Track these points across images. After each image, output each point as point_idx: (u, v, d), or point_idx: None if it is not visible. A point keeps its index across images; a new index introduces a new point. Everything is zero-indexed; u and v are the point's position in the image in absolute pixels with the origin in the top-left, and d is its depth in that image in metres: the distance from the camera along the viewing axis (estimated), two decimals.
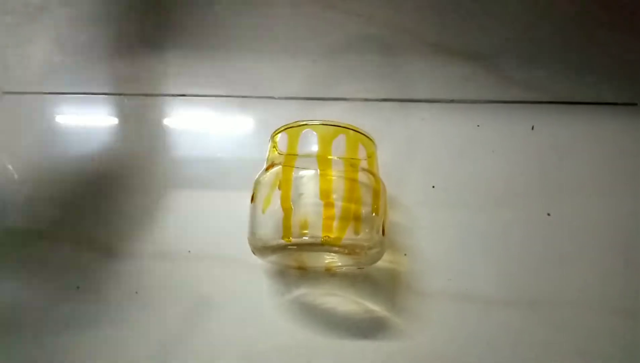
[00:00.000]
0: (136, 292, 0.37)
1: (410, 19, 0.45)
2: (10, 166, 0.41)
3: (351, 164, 0.34)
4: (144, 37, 0.45)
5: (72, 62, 0.44)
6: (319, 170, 0.33)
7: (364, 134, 0.35)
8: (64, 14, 0.45)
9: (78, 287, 0.37)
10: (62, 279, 0.38)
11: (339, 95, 0.42)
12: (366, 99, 0.42)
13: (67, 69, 0.44)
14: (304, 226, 0.33)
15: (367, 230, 0.33)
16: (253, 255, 0.34)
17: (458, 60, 0.43)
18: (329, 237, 0.32)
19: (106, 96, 0.43)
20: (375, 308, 0.37)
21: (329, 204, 0.33)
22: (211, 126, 0.42)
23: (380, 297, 0.37)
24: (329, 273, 0.37)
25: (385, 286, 0.37)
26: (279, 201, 0.33)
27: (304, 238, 0.32)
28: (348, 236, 0.32)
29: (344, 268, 0.37)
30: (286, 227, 0.32)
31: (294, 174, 0.33)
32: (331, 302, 0.37)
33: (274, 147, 0.35)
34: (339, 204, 0.33)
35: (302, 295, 0.37)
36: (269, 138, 0.35)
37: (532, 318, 0.37)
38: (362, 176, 0.34)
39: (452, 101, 0.42)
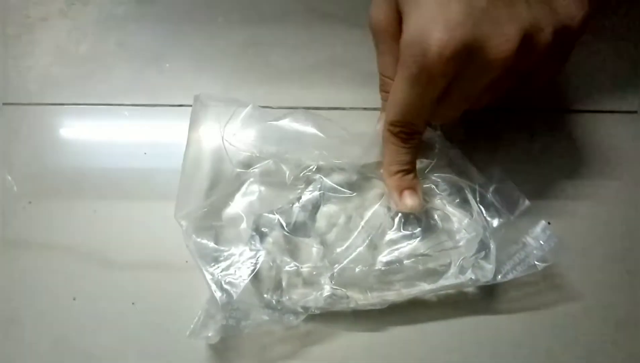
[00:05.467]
0: (133, 303, 0.37)
1: None
2: (9, 177, 0.41)
3: None
4: (145, 48, 0.45)
5: (73, 73, 0.44)
6: None
7: None
8: (64, 25, 0.46)
9: (74, 299, 0.37)
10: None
11: (336, 104, 0.42)
12: (365, 108, 0.42)
13: (68, 80, 0.44)
14: None
15: None
16: None
17: None
18: None
19: (107, 106, 0.43)
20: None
21: None
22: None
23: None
24: None
25: None
26: None
27: None
28: None
29: None
30: None
31: None
32: None
33: None
34: None
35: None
36: None
37: (534, 328, 0.36)
38: None
39: None
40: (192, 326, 0.34)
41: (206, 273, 0.34)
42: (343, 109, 0.42)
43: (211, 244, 0.36)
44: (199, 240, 0.36)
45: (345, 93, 0.43)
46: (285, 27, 0.45)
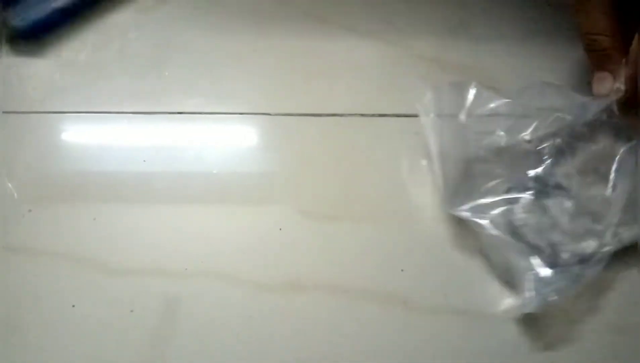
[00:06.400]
0: (131, 310, 0.37)
1: (406, 34, 0.45)
2: (10, 185, 0.41)
3: None
4: (145, 55, 0.45)
5: (73, 81, 0.45)
6: None
7: None
8: (65, 33, 0.46)
9: (73, 306, 0.37)
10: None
11: (334, 111, 0.42)
12: (362, 115, 0.42)
13: (69, 88, 0.44)
14: None
15: None
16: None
17: (455, 75, 0.44)
18: None
19: (107, 114, 0.43)
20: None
21: None
22: (210, 142, 0.43)
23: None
24: None
25: None
26: None
27: None
28: None
29: None
30: None
31: None
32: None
33: None
34: None
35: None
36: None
37: (533, 333, 0.36)
38: None
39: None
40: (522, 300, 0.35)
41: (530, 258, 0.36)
42: (341, 115, 0.42)
43: (507, 218, 0.37)
44: (495, 218, 0.37)
45: (343, 99, 0.43)
46: (284, 33, 0.46)
